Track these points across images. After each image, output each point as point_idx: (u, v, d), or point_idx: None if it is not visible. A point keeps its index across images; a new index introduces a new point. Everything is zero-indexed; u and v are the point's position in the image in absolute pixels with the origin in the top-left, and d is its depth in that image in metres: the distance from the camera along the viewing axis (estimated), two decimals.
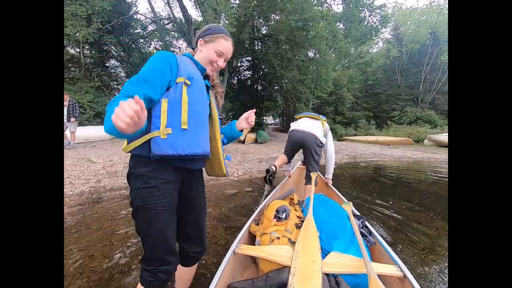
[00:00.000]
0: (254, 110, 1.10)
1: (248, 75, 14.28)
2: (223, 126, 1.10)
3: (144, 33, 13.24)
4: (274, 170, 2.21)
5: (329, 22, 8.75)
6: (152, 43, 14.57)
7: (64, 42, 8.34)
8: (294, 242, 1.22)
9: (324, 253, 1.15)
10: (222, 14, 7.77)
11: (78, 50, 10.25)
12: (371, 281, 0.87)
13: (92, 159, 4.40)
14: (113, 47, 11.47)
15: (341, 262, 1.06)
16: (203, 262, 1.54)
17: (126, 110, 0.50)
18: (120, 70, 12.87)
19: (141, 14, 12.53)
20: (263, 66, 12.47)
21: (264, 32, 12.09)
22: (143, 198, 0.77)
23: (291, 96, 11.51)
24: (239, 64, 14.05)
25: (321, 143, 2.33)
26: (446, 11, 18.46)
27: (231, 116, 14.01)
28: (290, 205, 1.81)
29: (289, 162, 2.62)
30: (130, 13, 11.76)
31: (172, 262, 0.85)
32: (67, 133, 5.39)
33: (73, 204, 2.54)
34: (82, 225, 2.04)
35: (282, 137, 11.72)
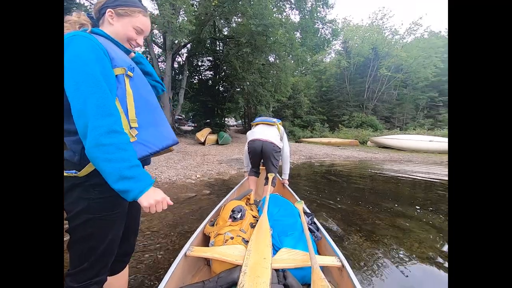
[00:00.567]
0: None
1: (210, 75, 13.95)
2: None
3: None
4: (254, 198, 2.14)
5: (287, 30, 9.24)
6: None
7: None
8: (247, 241, 1.22)
9: (275, 250, 1.20)
10: (181, 10, 7.45)
11: None
12: (314, 272, 0.94)
13: None
14: None
15: (290, 258, 1.12)
16: (160, 271, 1.44)
17: (163, 207, 0.72)
18: None
19: None
20: (224, 67, 12.34)
21: (225, 33, 12.00)
22: (98, 209, 0.70)
23: (252, 99, 11.67)
24: (199, 64, 13.64)
25: (279, 148, 2.43)
26: (384, 31, 21.52)
27: (191, 117, 13.44)
28: (247, 205, 1.83)
29: (257, 171, 2.68)
30: None
31: (106, 271, 0.78)
32: None
33: None
34: None
35: (243, 139, 11.78)
